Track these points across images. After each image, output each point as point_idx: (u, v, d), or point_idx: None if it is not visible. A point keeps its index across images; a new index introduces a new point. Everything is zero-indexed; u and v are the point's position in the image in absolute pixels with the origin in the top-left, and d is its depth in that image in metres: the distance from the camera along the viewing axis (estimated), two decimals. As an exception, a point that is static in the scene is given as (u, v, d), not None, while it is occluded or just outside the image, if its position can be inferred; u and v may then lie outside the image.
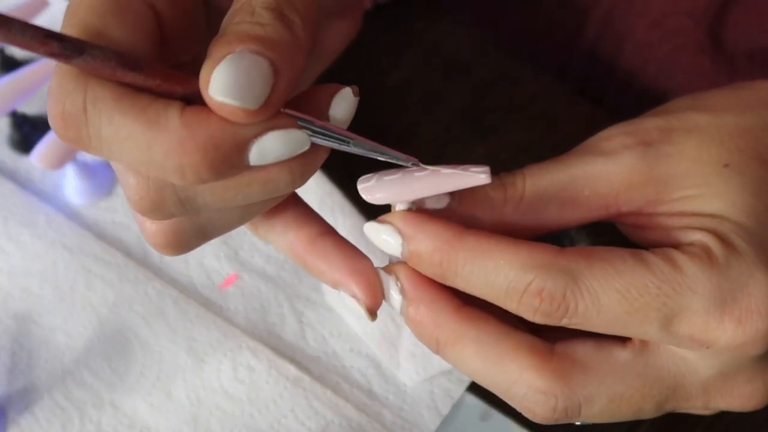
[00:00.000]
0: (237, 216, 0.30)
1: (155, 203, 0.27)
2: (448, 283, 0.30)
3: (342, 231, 0.48)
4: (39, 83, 0.48)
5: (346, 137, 0.28)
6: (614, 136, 0.32)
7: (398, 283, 0.30)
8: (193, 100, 0.25)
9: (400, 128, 0.52)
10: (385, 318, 0.46)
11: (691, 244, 0.29)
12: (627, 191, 0.31)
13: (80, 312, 0.47)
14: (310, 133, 0.27)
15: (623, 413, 0.30)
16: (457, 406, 0.44)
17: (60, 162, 0.46)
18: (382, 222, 0.30)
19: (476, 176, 0.28)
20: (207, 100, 0.24)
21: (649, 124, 0.32)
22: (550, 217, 0.31)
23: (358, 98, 0.29)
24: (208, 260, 0.48)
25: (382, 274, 0.31)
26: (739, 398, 0.31)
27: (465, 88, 0.53)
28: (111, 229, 0.49)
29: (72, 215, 0.50)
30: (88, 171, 0.50)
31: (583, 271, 0.28)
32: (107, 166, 0.51)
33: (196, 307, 0.47)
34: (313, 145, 0.27)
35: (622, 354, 0.30)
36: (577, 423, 0.34)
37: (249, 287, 0.48)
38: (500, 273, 0.28)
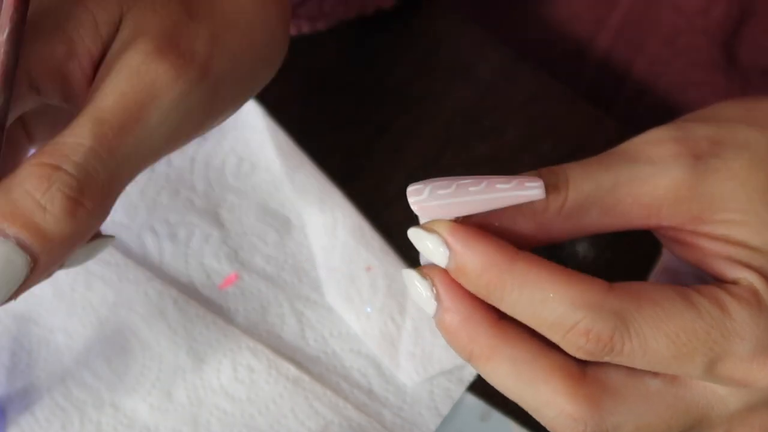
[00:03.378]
0: None
1: None
2: (491, 302, 0.29)
3: (342, 231, 0.48)
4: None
5: None
6: (663, 142, 0.30)
7: (434, 289, 0.30)
8: None
9: (400, 128, 0.52)
10: (385, 318, 0.46)
11: (736, 283, 0.29)
12: (671, 205, 0.30)
13: (80, 312, 0.47)
14: None
15: None
16: (457, 406, 0.44)
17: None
18: (429, 230, 0.29)
19: (531, 192, 0.28)
20: None
21: (699, 132, 0.31)
22: (589, 223, 0.30)
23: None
24: (208, 260, 0.48)
25: (415, 275, 0.30)
26: (760, 429, 0.31)
27: (465, 88, 0.53)
28: (111, 229, 0.49)
29: (72, 215, 0.50)
30: (88, 171, 0.50)
31: (633, 314, 0.27)
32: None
33: (196, 307, 0.47)
34: None
35: (653, 382, 0.30)
36: None
37: (249, 287, 0.48)
38: (547, 306, 0.28)
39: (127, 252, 0.49)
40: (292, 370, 0.45)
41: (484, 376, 0.30)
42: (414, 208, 0.29)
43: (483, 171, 0.50)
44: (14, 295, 0.24)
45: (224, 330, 0.46)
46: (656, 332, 0.27)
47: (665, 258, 0.39)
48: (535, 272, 0.28)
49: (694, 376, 0.29)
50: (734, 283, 0.29)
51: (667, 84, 0.54)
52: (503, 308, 0.29)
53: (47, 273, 0.25)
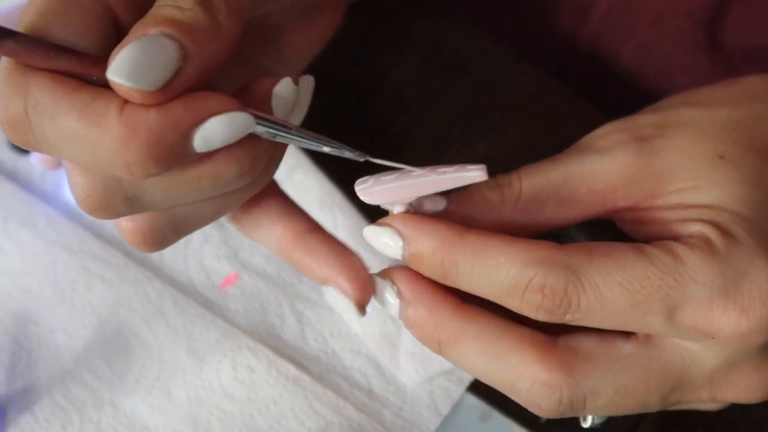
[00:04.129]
0: (210, 210, 0.30)
1: (102, 201, 0.27)
2: (449, 283, 0.30)
3: (342, 231, 0.48)
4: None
5: (286, 127, 0.27)
6: (608, 134, 0.32)
7: (394, 287, 0.30)
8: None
9: (400, 128, 0.52)
10: (385, 318, 0.46)
11: (690, 236, 0.29)
12: (624, 187, 0.31)
13: (80, 312, 0.47)
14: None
15: (628, 406, 0.30)
16: (457, 406, 0.44)
17: (60, 162, 0.46)
18: (381, 225, 0.30)
19: (472, 174, 0.28)
20: (110, 82, 0.24)
21: (642, 120, 0.32)
22: (548, 216, 0.31)
23: (297, 87, 0.29)
24: (208, 260, 0.48)
25: (378, 280, 0.31)
26: (745, 389, 0.31)
27: (465, 88, 0.53)
28: (111, 229, 0.49)
29: (72, 215, 0.50)
30: (88, 171, 0.50)
31: (585, 266, 0.28)
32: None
33: (195, 307, 0.47)
34: (261, 138, 0.27)
35: (625, 346, 0.30)
36: (585, 426, 0.34)
37: (249, 287, 0.48)
38: (501, 270, 0.28)
39: (127, 252, 0.49)
40: (292, 370, 0.45)
41: (455, 362, 0.31)
42: (360, 195, 0.30)
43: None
44: (174, 83, 0.25)
45: (224, 330, 0.46)
46: (609, 281, 0.28)
47: None
48: (483, 241, 0.29)
49: (657, 328, 0.28)
50: (689, 236, 0.29)
51: (654, 69, 0.54)
52: (461, 284, 0.29)
53: (202, 68, 0.25)
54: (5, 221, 0.50)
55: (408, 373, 0.45)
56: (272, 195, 0.32)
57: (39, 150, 0.26)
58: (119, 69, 0.24)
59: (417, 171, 0.29)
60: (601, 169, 0.31)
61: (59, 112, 0.25)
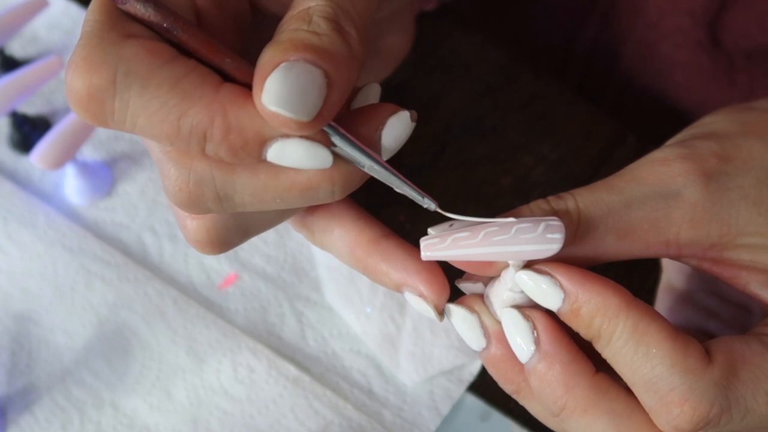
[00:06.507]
0: (277, 214, 0.30)
1: (193, 197, 0.27)
2: (595, 346, 0.28)
3: (342, 231, 0.48)
4: (39, 83, 0.48)
5: (371, 157, 0.27)
6: (670, 162, 0.30)
7: (534, 332, 0.28)
8: (224, 73, 0.25)
9: (400, 128, 0.52)
10: (385, 318, 0.46)
11: None
12: (688, 228, 0.29)
13: (80, 312, 0.47)
14: (340, 148, 0.26)
15: None
16: (457, 406, 0.44)
17: (60, 162, 0.46)
18: (542, 273, 0.28)
19: (550, 247, 0.27)
20: (259, 107, 0.24)
21: (703, 148, 0.30)
22: (606, 250, 0.30)
23: (414, 124, 0.28)
24: (208, 260, 0.48)
25: (516, 315, 0.29)
26: None
27: (465, 88, 0.53)
28: (111, 229, 0.49)
29: (72, 215, 0.50)
30: (87, 171, 0.50)
31: (732, 381, 0.27)
32: (107, 166, 0.51)
33: (196, 307, 0.47)
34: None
35: None
36: None
37: (249, 287, 0.48)
38: (648, 362, 0.27)
39: (127, 252, 0.49)
40: (292, 370, 0.45)
41: (573, 431, 0.29)
42: (424, 252, 0.28)
43: (482, 170, 0.50)
44: (323, 111, 0.25)
45: (224, 330, 0.46)
46: (756, 393, 0.27)
47: (667, 277, 0.39)
48: (645, 323, 0.27)
49: None
50: None
51: (654, 68, 0.54)
52: (604, 353, 0.28)
53: (343, 95, 0.25)
54: (5, 221, 0.50)
55: (408, 373, 0.45)
56: (342, 201, 0.31)
57: (107, 123, 0.25)
58: (275, 98, 0.24)
59: (491, 227, 0.28)
60: (664, 204, 0.29)
61: (152, 82, 0.24)
